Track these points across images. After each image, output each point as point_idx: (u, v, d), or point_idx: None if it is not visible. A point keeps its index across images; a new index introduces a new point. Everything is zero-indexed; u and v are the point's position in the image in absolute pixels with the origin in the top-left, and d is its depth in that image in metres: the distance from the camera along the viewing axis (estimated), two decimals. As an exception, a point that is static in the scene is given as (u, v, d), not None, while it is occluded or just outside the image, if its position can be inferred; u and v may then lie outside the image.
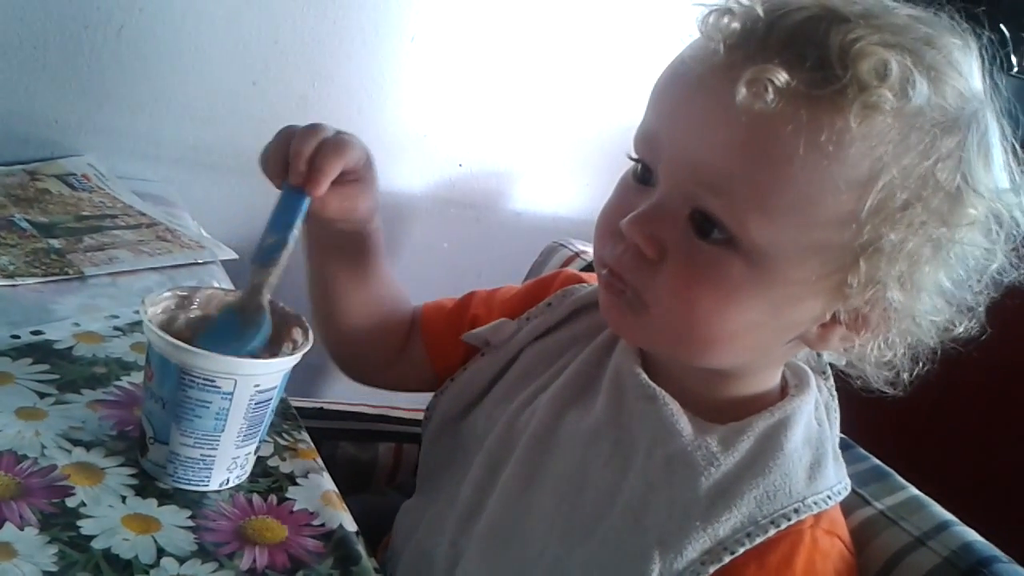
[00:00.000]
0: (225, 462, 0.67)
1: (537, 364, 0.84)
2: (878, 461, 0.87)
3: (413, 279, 0.96)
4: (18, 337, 0.79)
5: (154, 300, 0.69)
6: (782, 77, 0.58)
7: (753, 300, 0.64)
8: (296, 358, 0.67)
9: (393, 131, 1.35)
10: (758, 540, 0.66)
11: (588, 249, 1.23)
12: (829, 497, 0.70)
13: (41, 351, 0.78)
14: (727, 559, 0.66)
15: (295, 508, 0.68)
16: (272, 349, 0.70)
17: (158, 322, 0.67)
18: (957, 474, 1.15)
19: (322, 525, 0.67)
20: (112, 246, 0.99)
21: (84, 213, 1.06)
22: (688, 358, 0.70)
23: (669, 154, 0.64)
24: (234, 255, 1.06)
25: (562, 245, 1.23)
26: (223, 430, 0.65)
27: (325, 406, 1.08)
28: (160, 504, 0.65)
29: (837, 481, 0.72)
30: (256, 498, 0.68)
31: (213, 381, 0.63)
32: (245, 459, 0.68)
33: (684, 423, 0.70)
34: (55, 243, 0.97)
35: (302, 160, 0.72)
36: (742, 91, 0.58)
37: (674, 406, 0.71)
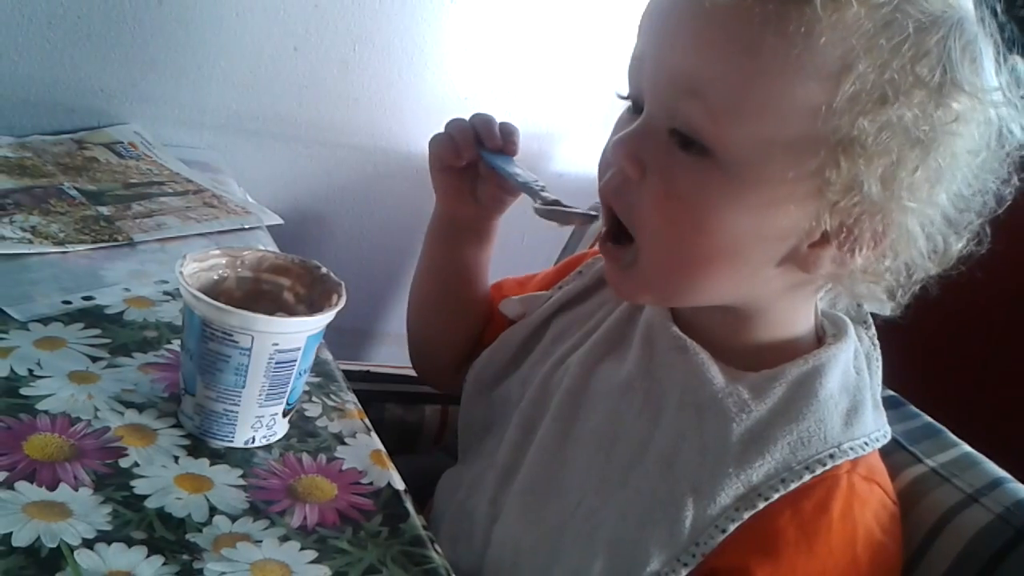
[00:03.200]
0: (248, 419, 0.67)
1: (569, 327, 0.85)
2: (929, 418, 0.85)
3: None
4: (70, 303, 0.80)
5: (198, 256, 0.69)
6: None
7: (733, 207, 0.63)
8: (316, 320, 0.67)
9: (435, 94, 1.34)
10: (792, 486, 0.66)
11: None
12: (866, 443, 0.70)
13: (93, 316, 0.79)
14: (761, 505, 0.66)
15: (344, 467, 0.69)
16: (316, 311, 0.71)
17: (205, 279, 0.69)
18: (1009, 433, 1.12)
19: (370, 484, 0.68)
20: (160, 212, 1.00)
21: (132, 180, 1.07)
22: (677, 294, 0.70)
23: (651, 71, 0.65)
24: (279, 220, 1.07)
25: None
26: (243, 386, 0.65)
27: (372, 369, 1.09)
28: (212, 464, 0.66)
29: (876, 428, 0.72)
30: (306, 457, 0.69)
31: (231, 335, 0.63)
32: (272, 419, 0.68)
33: (715, 372, 0.70)
34: (104, 210, 0.98)
35: (495, 127, 0.84)
36: None
37: (704, 355, 0.71)
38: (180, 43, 1.17)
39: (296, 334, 0.66)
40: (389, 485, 0.68)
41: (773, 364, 0.70)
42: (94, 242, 0.91)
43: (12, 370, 0.69)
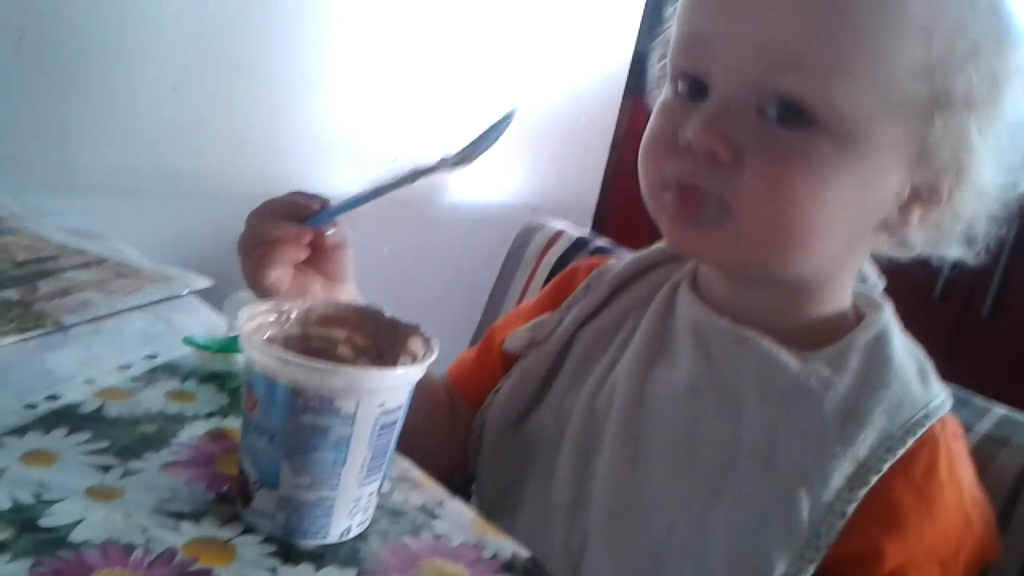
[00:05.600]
0: (347, 505, 0.55)
1: (595, 345, 0.79)
2: (954, 384, 0.85)
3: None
4: (34, 406, 0.64)
5: (250, 315, 0.56)
6: None
7: (844, 178, 0.62)
8: (421, 368, 0.56)
9: (324, 131, 1.23)
10: (899, 453, 0.64)
11: (565, 226, 1.16)
12: (945, 402, 0.69)
13: (70, 418, 0.63)
14: (873, 479, 0.63)
15: (454, 543, 0.58)
16: (387, 363, 0.60)
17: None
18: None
19: (494, 557, 0.57)
20: (75, 289, 0.84)
21: (19, 258, 0.89)
22: (775, 262, 0.66)
23: (726, 48, 0.62)
24: (208, 282, 0.93)
25: (538, 226, 1.16)
26: (344, 463, 0.54)
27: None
28: (318, 568, 0.53)
29: (942, 388, 0.71)
30: (409, 540, 0.57)
31: (332, 401, 0.52)
32: (368, 500, 0.57)
33: (785, 355, 0.67)
34: (10, 294, 0.80)
35: (307, 198, 0.70)
36: None
37: (767, 341, 0.68)
38: (42, 92, 0.99)
39: (401, 388, 0.55)
40: (516, 555, 0.58)
41: (830, 338, 0.68)
42: (20, 331, 0.74)
43: (14, 499, 0.53)
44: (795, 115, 0.60)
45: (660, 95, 0.72)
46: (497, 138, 0.68)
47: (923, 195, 0.65)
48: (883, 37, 0.59)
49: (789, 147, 0.61)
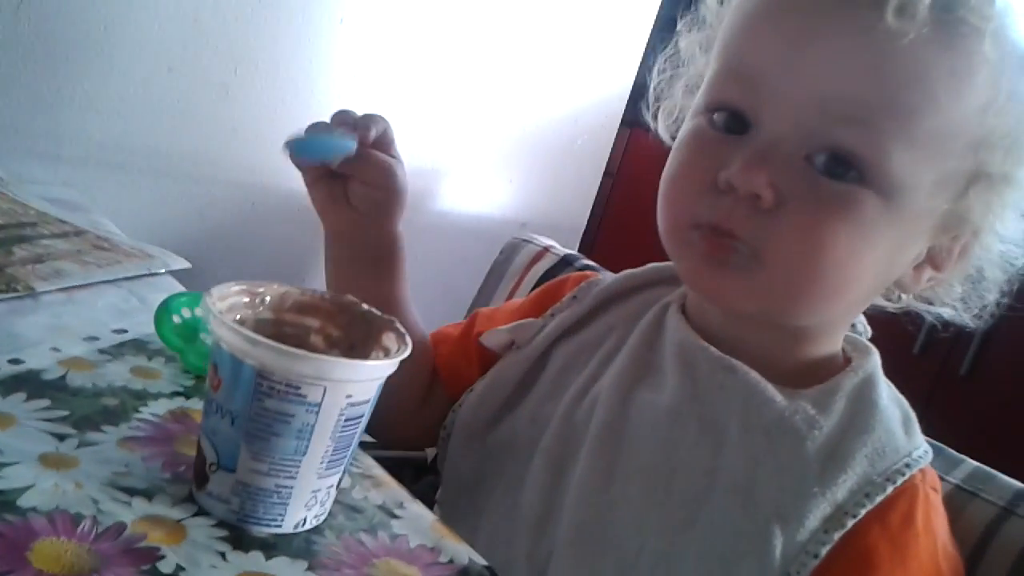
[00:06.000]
0: (304, 496, 0.54)
1: (577, 356, 0.78)
2: (927, 437, 0.85)
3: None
4: (-4, 368, 0.62)
5: (222, 294, 0.55)
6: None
7: (882, 238, 0.62)
8: (392, 363, 0.55)
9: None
10: (878, 499, 0.64)
11: (552, 243, 1.15)
12: (926, 452, 0.69)
13: (32, 383, 0.62)
14: (849, 523, 0.63)
15: (411, 544, 0.57)
16: (359, 356, 0.58)
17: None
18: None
19: (450, 561, 0.56)
20: (51, 257, 0.82)
21: (-3, 222, 0.88)
22: (796, 312, 0.66)
23: (786, 91, 0.60)
24: (186, 264, 0.91)
25: (526, 241, 1.15)
26: (305, 453, 0.52)
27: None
28: (268, 557, 0.51)
29: (923, 439, 0.71)
30: (365, 537, 0.56)
31: (298, 388, 0.51)
32: (327, 493, 0.56)
33: (772, 390, 0.66)
34: (-17, 256, 0.79)
35: (352, 116, 0.72)
36: (890, 14, 0.56)
37: (755, 375, 0.67)
38: (37, 61, 0.98)
39: (370, 382, 0.53)
40: (472, 562, 0.57)
41: (817, 379, 0.68)
42: (-10, 293, 0.72)
43: (-35, 459, 0.52)
44: (843, 167, 0.59)
45: (669, 123, 0.72)
46: None
47: (937, 258, 0.66)
48: (947, 108, 0.59)
49: (835, 199, 0.60)
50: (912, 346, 1.73)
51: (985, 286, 0.68)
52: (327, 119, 0.72)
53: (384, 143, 0.74)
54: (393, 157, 0.75)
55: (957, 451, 0.81)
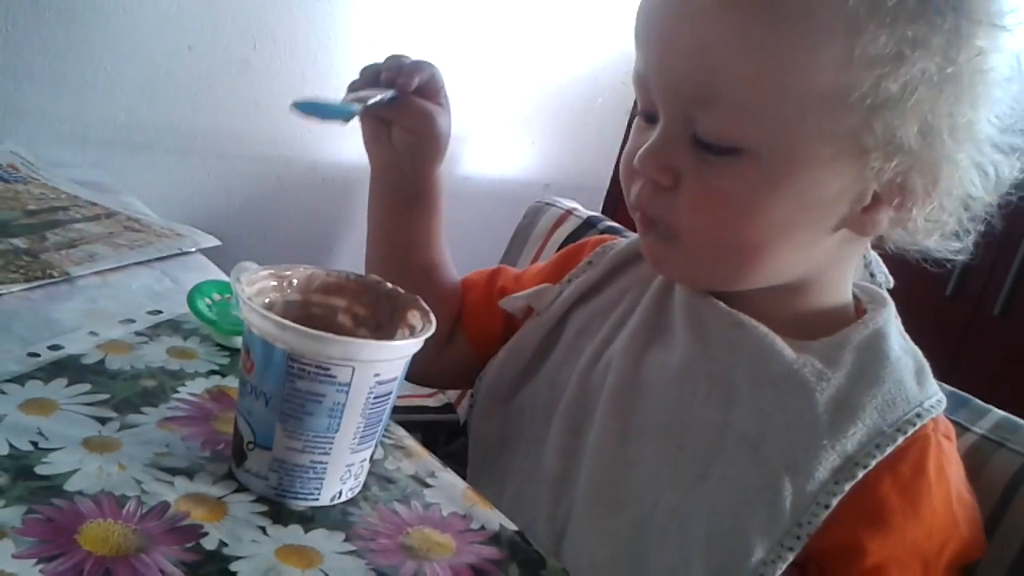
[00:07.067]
0: (338, 470, 0.56)
1: (592, 320, 0.80)
2: (952, 388, 0.85)
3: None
4: (37, 355, 0.64)
5: (251, 279, 0.57)
6: None
7: (774, 196, 0.63)
8: (417, 341, 0.57)
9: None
10: (888, 450, 0.64)
11: (576, 206, 1.16)
12: (940, 401, 0.69)
13: (71, 368, 0.64)
14: (860, 474, 0.63)
15: (444, 513, 0.59)
16: (385, 334, 0.60)
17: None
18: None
19: (482, 528, 0.58)
20: (83, 241, 0.84)
21: (30, 207, 0.90)
22: (728, 277, 0.68)
23: (655, 82, 0.64)
24: (216, 241, 0.93)
25: (549, 204, 1.16)
26: (337, 430, 0.54)
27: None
28: (307, 530, 0.54)
29: (938, 388, 0.71)
30: (400, 507, 0.58)
31: (327, 369, 0.52)
32: (360, 467, 0.58)
33: (781, 343, 0.67)
34: (18, 243, 0.81)
35: (400, 62, 0.77)
36: None
37: (764, 328, 0.68)
38: (60, 45, 0.99)
39: (397, 360, 0.55)
40: (503, 528, 0.59)
41: (827, 330, 0.68)
42: (27, 280, 0.74)
43: (12, 445, 0.54)
44: (716, 142, 0.62)
45: None
46: None
47: (890, 197, 0.64)
48: (794, 64, 0.58)
49: (717, 172, 0.63)
50: (945, 288, 1.72)
51: (966, 219, 0.66)
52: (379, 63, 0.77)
53: (430, 90, 0.78)
54: (440, 104, 0.79)
55: (989, 397, 0.81)
